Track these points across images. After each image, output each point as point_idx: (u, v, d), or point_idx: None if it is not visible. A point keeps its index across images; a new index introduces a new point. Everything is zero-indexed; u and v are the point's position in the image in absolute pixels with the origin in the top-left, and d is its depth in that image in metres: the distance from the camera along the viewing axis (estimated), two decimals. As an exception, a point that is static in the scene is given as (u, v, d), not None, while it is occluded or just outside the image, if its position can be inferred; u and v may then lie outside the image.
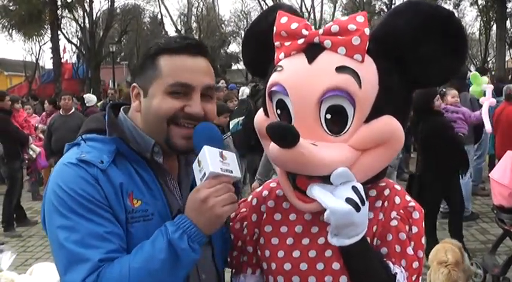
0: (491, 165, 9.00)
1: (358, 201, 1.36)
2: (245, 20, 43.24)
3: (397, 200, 1.56)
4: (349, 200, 1.35)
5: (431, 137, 5.66)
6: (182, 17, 43.62)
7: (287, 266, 1.55)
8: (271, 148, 1.40)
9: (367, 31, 1.41)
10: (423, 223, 1.56)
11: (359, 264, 1.44)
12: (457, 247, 4.22)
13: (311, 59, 1.44)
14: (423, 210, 1.58)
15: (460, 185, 5.93)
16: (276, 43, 1.53)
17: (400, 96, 1.50)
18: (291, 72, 1.47)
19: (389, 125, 1.46)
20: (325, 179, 1.41)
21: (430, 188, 5.57)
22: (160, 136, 1.49)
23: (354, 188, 1.39)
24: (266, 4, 33.16)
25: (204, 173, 1.38)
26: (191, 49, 1.49)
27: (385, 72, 1.45)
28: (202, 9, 44.33)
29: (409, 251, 1.49)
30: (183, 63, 1.48)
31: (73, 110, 8.85)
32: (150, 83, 1.49)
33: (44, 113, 11.49)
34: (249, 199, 1.75)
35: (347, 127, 1.43)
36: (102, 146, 1.47)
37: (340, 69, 1.40)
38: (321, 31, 1.45)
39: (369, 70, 1.43)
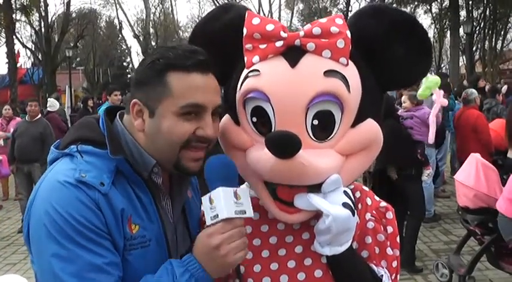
0: (451, 167, 9.27)
1: (352, 205, 1.35)
2: (203, 26, 43.12)
3: (369, 201, 1.55)
4: (346, 205, 1.33)
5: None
6: (139, 22, 43.22)
7: (266, 280, 1.48)
8: (267, 159, 1.32)
9: (349, 34, 1.37)
10: (396, 222, 1.55)
11: (348, 270, 1.42)
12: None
13: (293, 62, 1.36)
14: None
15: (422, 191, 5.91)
16: (247, 46, 1.42)
17: (377, 98, 1.48)
18: (272, 77, 1.37)
19: (374, 127, 1.44)
20: (311, 188, 1.37)
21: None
22: (170, 160, 1.39)
23: (346, 193, 1.37)
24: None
25: (217, 214, 1.30)
26: (202, 66, 1.37)
27: (365, 75, 1.42)
28: (159, 14, 44.08)
29: (389, 251, 1.49)
30: (196, 82, 1.36)
31: (39, 116, 8.39)
32: (157, 102, 1.36)
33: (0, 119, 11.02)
34: None
35: (334, 132, 1.38)
36: (101, 164, 1.35)
37: (329, 73, 1.34)
38: (301, 33, 1.37)
39: (353, 73, 1.39)
